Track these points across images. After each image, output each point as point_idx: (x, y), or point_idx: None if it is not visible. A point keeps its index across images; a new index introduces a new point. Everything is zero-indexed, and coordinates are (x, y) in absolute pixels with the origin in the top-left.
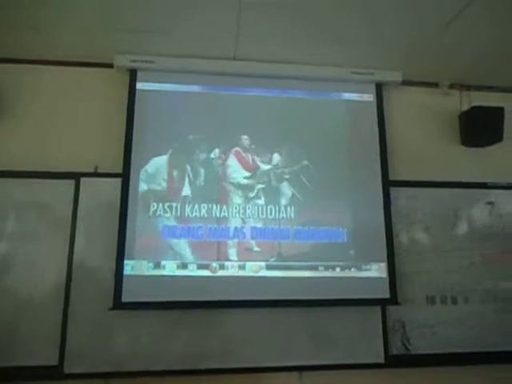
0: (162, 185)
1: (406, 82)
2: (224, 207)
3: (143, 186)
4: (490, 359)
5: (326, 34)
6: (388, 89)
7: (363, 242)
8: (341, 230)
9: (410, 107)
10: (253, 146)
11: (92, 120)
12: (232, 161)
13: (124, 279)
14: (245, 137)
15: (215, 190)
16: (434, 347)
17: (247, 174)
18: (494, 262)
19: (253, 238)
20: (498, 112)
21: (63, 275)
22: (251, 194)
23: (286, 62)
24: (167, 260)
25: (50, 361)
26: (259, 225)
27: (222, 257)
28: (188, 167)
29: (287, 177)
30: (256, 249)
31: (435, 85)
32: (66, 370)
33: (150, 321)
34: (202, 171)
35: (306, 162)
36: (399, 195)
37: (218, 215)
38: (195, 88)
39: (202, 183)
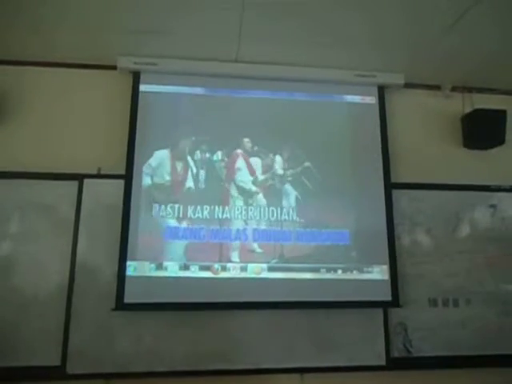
0: (165, 178)
1: (409, 85)
2: (226, 209)
3: (146, 183)
4: (492, 362)
5: (328, 36)
6: (390, 91)
7: (365, 244)
8: (343, 232)
9: (412, 110)
10: (255, 148)
11: (95, 122)
12: (241, 163)
13: (126, 280)
14: (246, 139)
15: (217, 191)
16: (435, 350)
17: (251, 176)
18: (496, 265)
19: (255, 239)
20: (501, 115)
21: (66, 276)
22: (254, 196)
23: (288, 64)
24: (169, 261)
25: (52, 361)
26: (261, 226)
27: (224, 258)
28: (191, 163)
29: (289, 179)
30: (258, 250)
31: (437, 87)
32: (69, 371)
33: (152, 322)
34: (204, 173)
35: (308, 164)
36: (401, 197)
37: (220, 217)
38: (198, 90)
39: (203, 185)
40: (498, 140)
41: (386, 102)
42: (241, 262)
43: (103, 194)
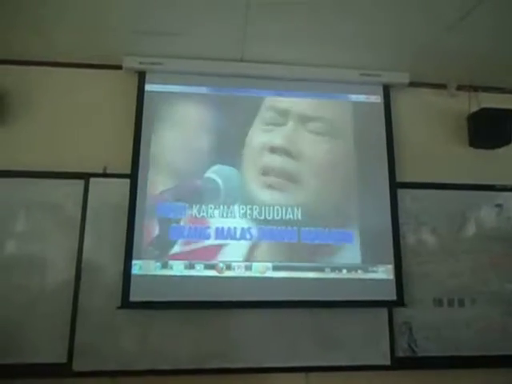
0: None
1: (414, 84)
2: (231, 207)
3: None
4: (497, 362)
5: (333, 35)
6: (395, 90)
7: (370, 244)
8: (348, 231)
9: (417, 109)
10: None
11: (101, 121)
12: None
13: (132, 279)
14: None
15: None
16: (440, 349)
17: (257, 174)
18: (501, 265)
19: (260, 238)
20: (508, 114)
21: (72, 274)
22: (259, 194)
23: (293, 64)
24: (174, 260)
25: (58, 358)
26: (266, 225)
27: (228, 257)
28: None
29: (294, 177)
30: (263, 249)
31: (443, 86)
32: (75, 368)
33: (157, 320)
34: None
35: (313, 163)
36: (406, 197)
37: (225, 215)
38: (203, 89)
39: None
40: (504, 139)
41: (392, 101)
42: (245, 260)
43: (109, 192)
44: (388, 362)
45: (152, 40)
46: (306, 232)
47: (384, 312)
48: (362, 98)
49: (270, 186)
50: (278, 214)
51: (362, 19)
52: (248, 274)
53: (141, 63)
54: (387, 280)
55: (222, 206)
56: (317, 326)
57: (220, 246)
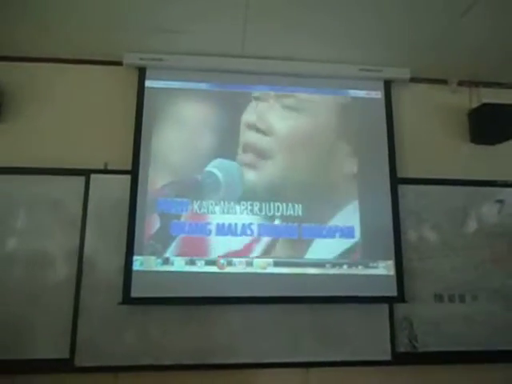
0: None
1: (415, 79)
2: (232, 203)
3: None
4: (498, 357)
5: (333, 30)
6: (396, 86)
7: (371, 240)
8: (348, 227)
9: (418, 104)
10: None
11: (101, 117)
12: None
13: (133, 274)
14: (252, 134)
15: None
16: (441, 345)
17: (256, 170)
18: (502, 261)
19: (260, 234)
20: (509, 109)
21: (73, 270)
22: (259, 191)
23: (293, 59)
24: (176, 256)
25: (61, 354)
26: (267, 221)
27: (229, 253)
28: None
29: (295, 173)
30: (264, 245)
31: (444, 82)
32: (77, 363)
33: (158, 316)
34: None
35: (313, 159)
36: (407, 193)
37: (226, 211)
38: (203, 85)
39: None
40: (505, 135)
41: (392, 97)
42: (246, 256)
43: (110, 189)
44: (389, 358)
45: (152, 36)
46: (306, 228)
47: (385, 308)
48: (362, 93)
49: (271, 181)
50: (278, 210)
51: (361, 14)
52: (249, 269)
53: (141, 59)
54: (388, 276)
55: (222, 202)
56: (317, 321)
57: (221, 242)
